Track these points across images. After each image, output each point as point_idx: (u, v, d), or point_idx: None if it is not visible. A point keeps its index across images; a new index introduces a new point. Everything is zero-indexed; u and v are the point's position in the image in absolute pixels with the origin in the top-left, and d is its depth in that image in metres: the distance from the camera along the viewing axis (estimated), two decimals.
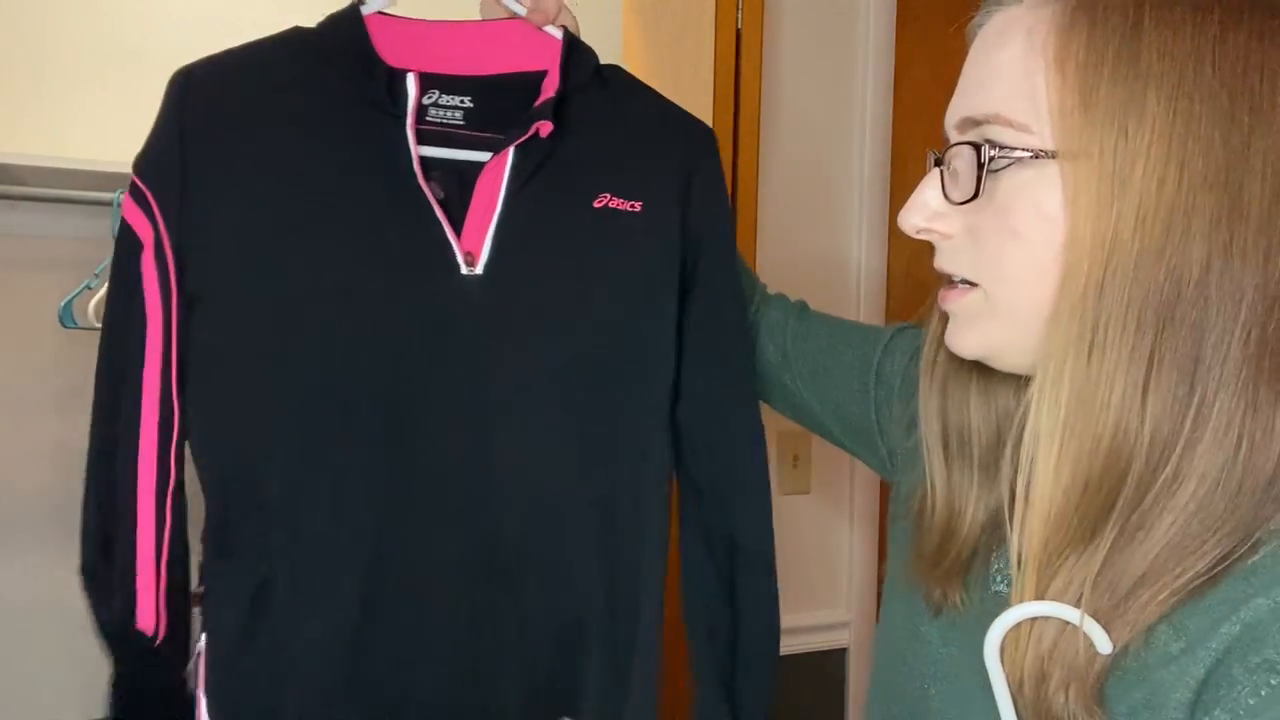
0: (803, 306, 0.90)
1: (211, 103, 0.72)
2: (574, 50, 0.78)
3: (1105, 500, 0.49)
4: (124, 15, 1.89)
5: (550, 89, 0.75)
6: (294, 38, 0.75)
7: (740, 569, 0.84)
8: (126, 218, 0.72)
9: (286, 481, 0.71)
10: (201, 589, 0.75)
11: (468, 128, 0.78)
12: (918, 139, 1.65)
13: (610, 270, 0.76)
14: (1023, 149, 0.50)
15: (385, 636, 0.72)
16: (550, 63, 0.77)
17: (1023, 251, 0.51)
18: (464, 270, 0.72)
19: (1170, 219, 0.46)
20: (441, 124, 0.77)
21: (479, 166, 0.75)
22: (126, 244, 0.72)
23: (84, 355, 1.90)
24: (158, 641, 0.73)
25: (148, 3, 1.91)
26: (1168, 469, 0.47)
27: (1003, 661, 0.52)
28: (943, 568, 0.61)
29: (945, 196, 0.55)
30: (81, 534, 0.74)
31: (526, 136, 0.73)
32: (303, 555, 0.71)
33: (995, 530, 0.61)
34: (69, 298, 1.70)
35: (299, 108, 0.72)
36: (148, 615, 0.72)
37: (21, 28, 1.84)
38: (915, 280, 1.65)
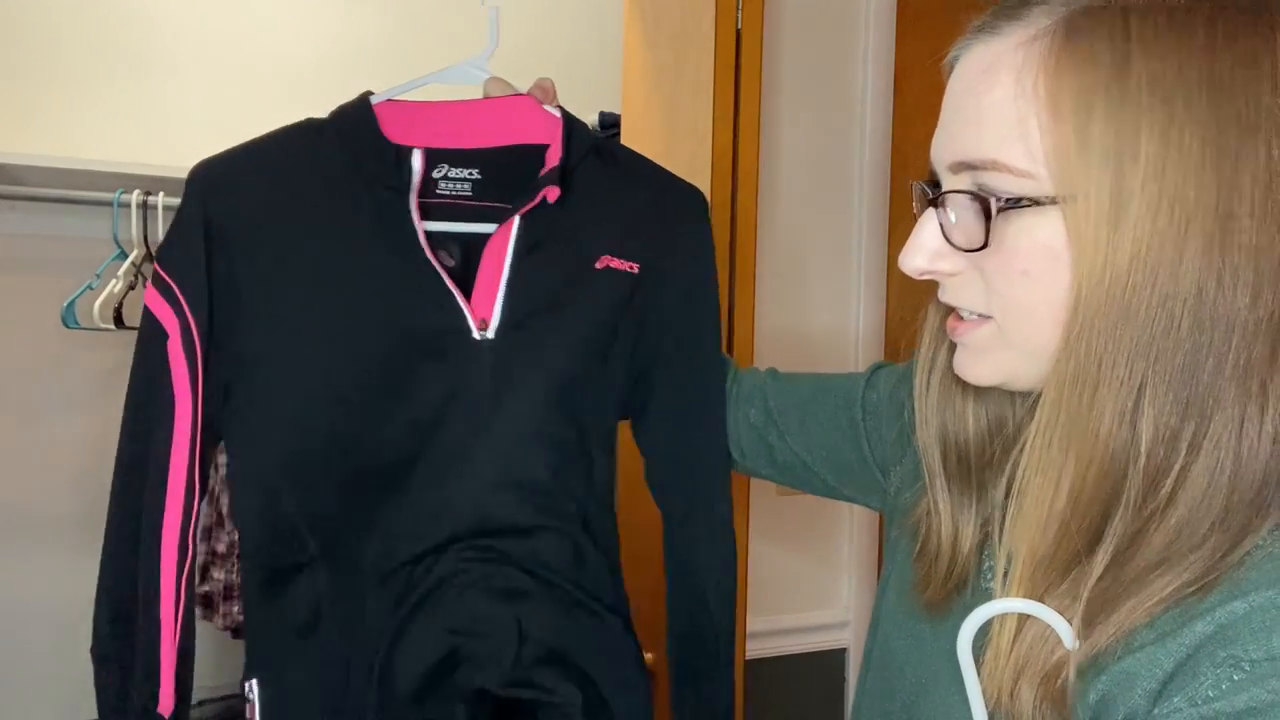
0: (773, 370, 0.92)
1: (232, 194, 0.76)
2: (574, 126, 0.83)
3: (1097, 526, 0.50)
4: (126, 18, 1.89)
5: (554, 159, 0.80)
6: (306, 127, 0.80)
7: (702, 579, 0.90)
8: (150, 307, 0.76)
9: (322, 532, 0.78)
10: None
11: (476, 198, 0.83)
12: (918, 140, 1.65)
13: (606, 328, 0.83)
14: (1027, 197, 0.50)
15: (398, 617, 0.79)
16: (552, 137, 0.83)
17: (1035, 289, 0.51)
18: (476, 335, 0.78)
19: (1163, 251, 0.46)
20: (452, 196, 0.83)
21: (485, 239, 0.80)
22: (151, 332, 0.76)
23: (86, 356, 1.92)
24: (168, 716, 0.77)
25: (150, 5, 1.91)
26: (1162, 493, 0.48)
27: (981, 661, 0.53)
28: (950, 583, 0.62)
29: (946, 238, 0.55)
30: (97, 615, 0.78)
31: (534, 203, 0.78)
32: (338, 583, 0.78)
33: (996, 527, 0.62)
34: (71, 298, 1.71)
35: (313, 192, 0.77)
36: (167, 696, 0.76)
37: (24, 30, 1.84)
38: (914, 280, 1.64)
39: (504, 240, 0.79)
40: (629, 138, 1.72)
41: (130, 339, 2.06)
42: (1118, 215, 0.47)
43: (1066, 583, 0.50)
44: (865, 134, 1.62)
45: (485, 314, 0.78)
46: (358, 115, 0.79)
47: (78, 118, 1.86)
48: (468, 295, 0.78)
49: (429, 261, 0.77)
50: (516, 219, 0.79)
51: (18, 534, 1.86)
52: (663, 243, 0.85)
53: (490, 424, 0.79)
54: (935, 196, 0.55)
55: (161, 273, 0.75)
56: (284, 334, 0.76)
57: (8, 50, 1.83)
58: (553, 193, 0.78)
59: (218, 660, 1.99)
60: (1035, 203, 0.50)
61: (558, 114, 0.84)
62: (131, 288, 1.71)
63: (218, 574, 1.79)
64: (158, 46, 1.91)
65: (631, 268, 0.83)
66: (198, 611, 1.82)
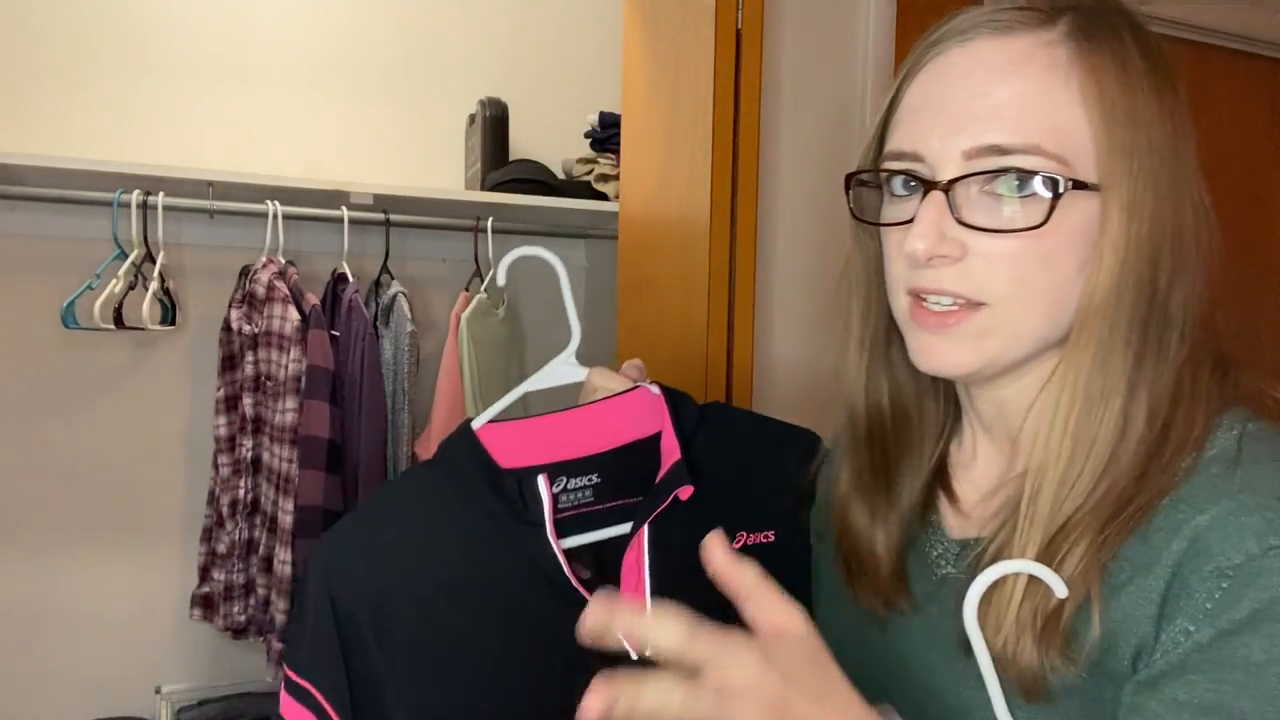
0: None
1: (354, 572, 0.72)
2: (677, 404, 0.79)
3: (1121, 493, 0.54)
4: (126, 18, 1.89)
5: (673, 449, 0.76)
6: (415, 475, 0.77)
7: None
8: (286, 716, 0.71)
9: None
10: None
11: (598, 502, 0.79)
12: None
13: None
14: (1076, 180, 0.54)
15: None
16: (660, 422, 0.78)
17: (1053, 273, 0.55)
18: (634, 657, 0.73)
19: (1158, 244, 0.55)
20: (575, 506, 0.78)
21: (616, 541, 0.76)
22: None
23: (85, 356, 1.92)
24: None
25: (150, 5, 1.91)
26: (1167, 450, 0.54)
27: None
28: (885, 586, 0.64)
29: (961, 221, 0.56)
30: None
31: (667, 503, 0.74)
32: None
33: (919, 523, 0.66)
34: (71, 298, 1.70)
35: (438, 544, 0.73)
36: None
37: (24, 30, 1.84)
38: None
39: (639, 553, 0.74)
40: (629, 138, 1.72)
41: (130, 339, 2.05)
42: (1139, 208, 0.54)
43: (1088, 541, 0.53)
44: (865, 133, 1.62)
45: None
46: (467, 451, 0.75)
47: (78, 117, 1.86)
48: None
49: (576, 590, 0.72)
50: (646, 527, 0.74)
51: (17, 533, 1.86)
52: (794, 502, 0.81)
53: None
54: (935, 182, 0.56)
55: (294, 677, 0.70)
56: (436, 695, 0.72)
57: (8, 50, 1.83)
58: (685, 492, 0.73)
59: (218, 660, 2.00)
60: (1085, 186, 0.54)
61: (656, 390, 0.79)
62: (131, 288, 1.70)
63: (218, 575, 1.79)
64: (158, 46, 1.91)
65: (767, 537, 0.78)
66: (198, 613, 1.82)
